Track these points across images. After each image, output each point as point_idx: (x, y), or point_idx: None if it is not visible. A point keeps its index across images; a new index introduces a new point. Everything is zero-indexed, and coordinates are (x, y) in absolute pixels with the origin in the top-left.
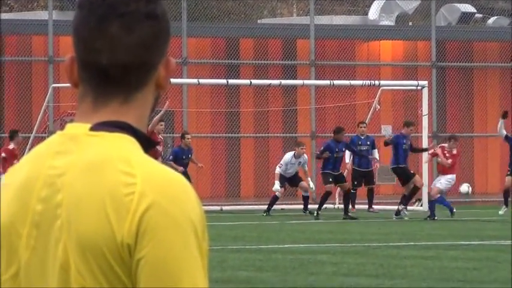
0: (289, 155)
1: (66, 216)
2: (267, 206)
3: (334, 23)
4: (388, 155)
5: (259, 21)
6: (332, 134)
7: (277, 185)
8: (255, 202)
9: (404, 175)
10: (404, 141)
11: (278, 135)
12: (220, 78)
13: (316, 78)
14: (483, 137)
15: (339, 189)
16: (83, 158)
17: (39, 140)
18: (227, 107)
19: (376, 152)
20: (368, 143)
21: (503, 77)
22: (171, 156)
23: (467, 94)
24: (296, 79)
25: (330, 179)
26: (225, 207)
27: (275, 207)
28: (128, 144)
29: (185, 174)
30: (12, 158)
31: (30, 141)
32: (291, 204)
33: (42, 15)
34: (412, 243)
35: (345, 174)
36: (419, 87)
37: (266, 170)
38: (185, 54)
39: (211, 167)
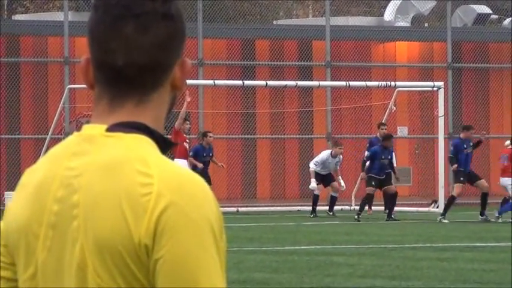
0: (325, 154)
1: (83, 216)
2: (311, 208)
3: (349, 24)
4: (404, 156)
5: (274, 22)
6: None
7: (313, 183)
8: (271, 203)
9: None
10: (465, 145)
11: (294, 136)
12: (236, 80)
13: (331, 80)
14: (499, 138)
15: (354, 190)
16: (99, 159)
17: (55, 141)
18: (243, 108)
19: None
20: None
21: None
22: (191, 153)
23: (483, 95)
24: (312, 80)
25: (373, 183)
26: (241, 209)
27: (291, 208)
28: (145, 145)
29: (205, 173)
30: None
31: (46, 143)
32: (307, 205)
33: (58, 16)
34: (429, 244)
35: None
36: (435, 89)
37: (282, 172)
38: (201, 55)
39: (227, 169)
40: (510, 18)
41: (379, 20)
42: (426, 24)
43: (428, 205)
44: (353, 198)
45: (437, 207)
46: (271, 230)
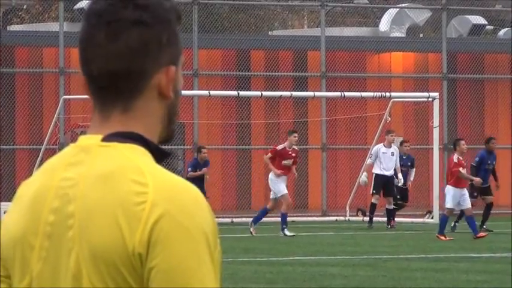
0: (378, 146)
1: (78, 226)
2: (368, 219)
3: (345, 34)
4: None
5: (270, 33)
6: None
7: (364, 177)
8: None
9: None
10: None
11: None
12: (231, 90)
13: (327, 90)
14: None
15: (349, 201)
16: (94, 169)
17: (49, 152)
18: (238, 118)
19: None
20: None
21: None
22: (189, 168)
23: (478, 106)
24: (307, 91)
25: (475, 193)
26: (236, 219)
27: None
28: (140, 155)
29: (200, 188)
30: None
31: (41, 153)
32: (301, 216)
33: (53, 26)
34: (423, 255)
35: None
36: (430, 99)
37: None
38: (196, 66)
39: (222, 179)
40: (505, 29)
41: (375, 31)
42: (421, 35)
43: (423, 216)
44: (347, 209)
45: (432, 217)
46: (266, 241)
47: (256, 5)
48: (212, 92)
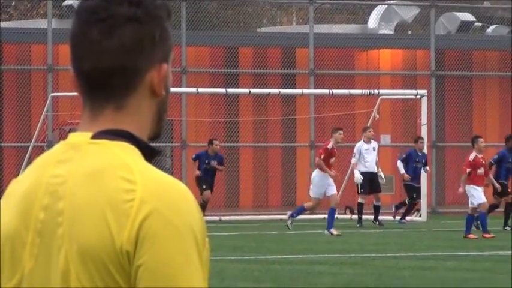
0: (358, 143)
1: (68, 223)
2: (357, 219)
3: (333, 31)
4: (387, 164)
5: (258, 30)
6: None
7: (357, 173)
8: (253, 212)
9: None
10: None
11: (277, 144)
12: (220, 87)
13: (315, 87)
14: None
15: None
16: (84, 166)
17: (38, 149)
18: (226, 116)
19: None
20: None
21: (502, 86)
22: (194, 156)
23: (467, 103)
24: (295, 88)
25: (497, 192)
26: (224, 217)
27: (274, 217)
28: (129, 152)
29: (206, 180)
30: None
31: (29, 151)
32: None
33: (41, 23)
34: (411, 253)
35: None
36: (418, 96)
37: (265, 180)
38: (184, 63)
39: None
40: (494, 26)
41: (363, 28)
42: (410, 32)
43: (411, 214)
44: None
45: (420, 216)
46: (254, 239)
47: (245, 1)
48: (200, 89)
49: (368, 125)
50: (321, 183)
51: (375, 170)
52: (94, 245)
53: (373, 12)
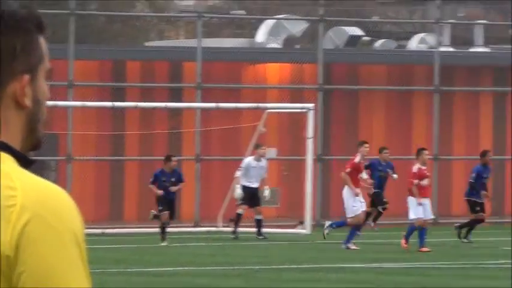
0: (248, 158)
1: None
2: (232, 230)
3: (222, 45)
4: (272, 177)
5: (146, 43)
6: (217, 157)
7: (238, 189)
8: (138, 225)
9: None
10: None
11: (162, 158)
12: (107, 101)
13: (202, 101)
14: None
15: (222, 211)
16: None
17: None
18: (112, 129)
19: None
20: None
21: (389, 100)
22: (151, 179)
23: (353, 117)
24: (182, 102)
25: (478, 208)
26: (107, 230)
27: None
28: (6, 161)
29: (165, 198)
30: None
31: None
32: (173, 227)
33: None
34: (295, 266)
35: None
36: (304, 110)
37: (150, 193)
38: (71, 76)
39: (95, 190)
40: (382, 40)
41: (251, 42)
42: (298, 46)
43: (295, 226)
44: (219, 219)
45: (304, 228)
46: (138, 252)
47: (133, 15)
48: (87, 103)
49: (255, 139)
50: (352, 200)
51: (257, 185)
52: None
53: (261, 26)
